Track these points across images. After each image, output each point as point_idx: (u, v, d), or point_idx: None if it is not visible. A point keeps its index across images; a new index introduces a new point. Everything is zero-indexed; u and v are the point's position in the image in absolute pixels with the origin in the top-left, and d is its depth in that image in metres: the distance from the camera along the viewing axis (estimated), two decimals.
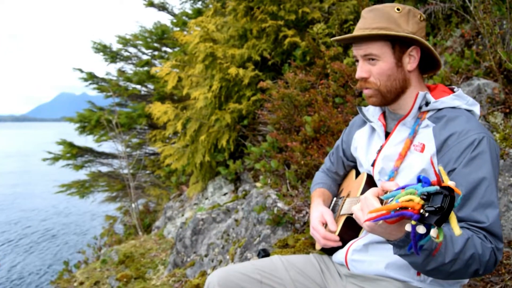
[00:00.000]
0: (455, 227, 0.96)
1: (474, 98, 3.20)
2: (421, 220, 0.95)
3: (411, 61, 1.56)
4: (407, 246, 1.18)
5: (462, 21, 4.12)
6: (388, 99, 1.59)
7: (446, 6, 4.10)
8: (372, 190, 1.23)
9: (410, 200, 0.98)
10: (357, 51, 1.58)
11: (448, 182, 0.97)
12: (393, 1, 4.60)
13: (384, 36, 1.51)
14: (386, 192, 1.19)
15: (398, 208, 0.99)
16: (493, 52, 3.35)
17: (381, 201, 1.19)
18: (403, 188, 1.05)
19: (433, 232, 0.96)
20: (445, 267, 1.24)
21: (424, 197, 0.96)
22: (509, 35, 3.43)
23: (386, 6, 1.55)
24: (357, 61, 1.62)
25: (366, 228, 1.22)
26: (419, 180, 1.01)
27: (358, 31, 1.56)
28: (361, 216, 1.23)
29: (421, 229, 0.96)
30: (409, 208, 0.96)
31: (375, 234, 1.22)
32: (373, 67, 1.55)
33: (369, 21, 1.54)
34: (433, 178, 0.96)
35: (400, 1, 4.61)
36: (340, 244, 1.73)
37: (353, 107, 3.71)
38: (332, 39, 1.68)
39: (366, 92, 1.61)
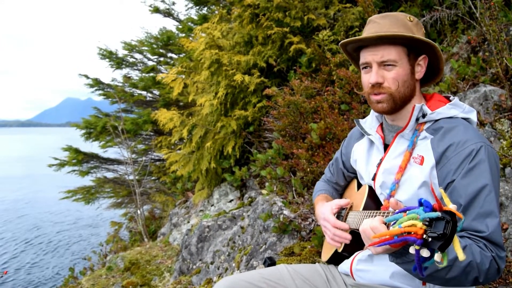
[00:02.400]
0: (459, 251, 0.97)
1: (481, 105, 3.19)
2: (425, 244, 0.97)
3: (419, 70, 1.57)
4: (403, 256, 1.21)
5: (468, 27, 4.11)
6: (397, 106, 1.57)
7: (452, 12, 4.10)
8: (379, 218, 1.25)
9: (413, 225, 0.99)
10: (372, 56, 1.54)
11: (450, 206, 0.98)
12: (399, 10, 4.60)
13: (403, 41, 1.51)
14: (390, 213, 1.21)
15: (401, 233, 1.01)
16: (500, 58, 3.33)
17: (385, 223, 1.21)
18: (405, 211, 1.06)
19: (437, 256, 0.98)
20: (440, 274, 1.24)
21: (426, 222, 0.98)
22: None
23: (399, 15, 1.56)
24: (366, 67, 1.59)
25: (371, 251, 1.24)
26: (420, 203, 1.03)
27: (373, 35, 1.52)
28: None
29: (425, 253, 0.98)
30: (412, 233, 0.98)
31: (378, 253, 1.24)
32: (388, 73, 1.53)
33: (386, 26, 1.53)
34: (436, 192, 0.97)
35: (406, 7, 4.61)
36: (349, 239, 1.70)
37: (359, 114, 3.70)
38: (345, 40, 1.62)
39: (376, 97, 1.57)
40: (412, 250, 1.01)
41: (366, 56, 1.57)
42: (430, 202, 1.00)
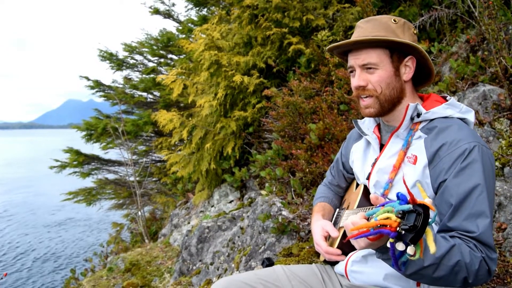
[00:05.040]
0: (431, 244, 0.98)
1: (480, 104, 3.18)
2: (399, 237, 0.98)
3: (407, 71, 1.57)
4: (388, 252, 1.20)
5: (467, 26, 4.11)
6: (385, 108, 1.59)
7: (451, 11, 4.09)
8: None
9: (388, 218, 1.00)
10: (354, 60, 1.57)
11: (425, 200, 1.00)
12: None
13: (384, 44, 1.51)
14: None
15: (376, 226, 1.02)
16: (499, 57, 3.33)
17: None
18: (383, 205, 1.07)
19: (410, 249, 0.99)
20: (426, 271, 1.24)
21: (400, 215, 0.99)
22: None
23: (383, 17, 1.56)
24: (352, 71, 1.61)
25: (355, 245, 1.25)
26: (398, 197, 1.04)
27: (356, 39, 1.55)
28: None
29: (400, 246, 0.99)
30: (388, 226, 0.99)
31: (362, 248, 1.24)
32: (371, 76, 1.55)
33: (368, 30, 1.55)
34: (429, 193, 0.98)
35: (405, 6, 4.60)
36: (343, 258, 1.73)
37: (357, 114, 3.70)
38: (329, 47, 1.66)
39: (363, 103, 1.60)
40: (388, 244, 1.02)
41: (350, 60, 1.60)
42: (406, 196, 1.01)
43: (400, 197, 1.02)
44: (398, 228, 0.97)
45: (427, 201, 0.99)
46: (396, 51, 1.54)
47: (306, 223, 3.31)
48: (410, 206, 0.98)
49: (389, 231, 0.98)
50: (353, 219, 1.24)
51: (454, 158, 1.39)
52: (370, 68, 1.54)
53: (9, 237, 15.45)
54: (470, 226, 1.32)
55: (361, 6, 4.22)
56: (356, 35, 1.57)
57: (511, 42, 3.46)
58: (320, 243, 1.79)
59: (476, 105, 3.20)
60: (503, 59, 3.29)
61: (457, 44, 3.99)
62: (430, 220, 0.98)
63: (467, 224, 1.32)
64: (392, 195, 1.56)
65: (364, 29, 1.56)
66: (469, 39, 3.80)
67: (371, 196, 1.23)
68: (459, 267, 1.24)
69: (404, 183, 1.05)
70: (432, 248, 0.98)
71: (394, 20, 1.55)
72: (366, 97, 1.58)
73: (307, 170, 3.67)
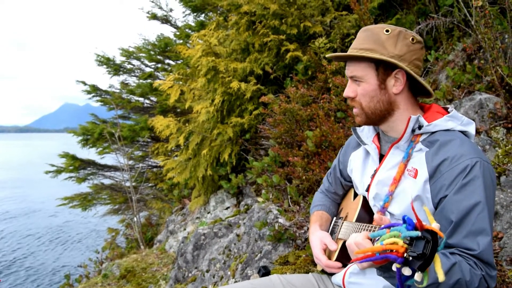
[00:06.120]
0: (439, 272, 0.96)
1: (476, 113, 3.19)
2: (405, 263, 0.96)
3: (396, 84, 1.54)
4: (390, 271, 1.20)
5: (464, 35, 4.12)
6: (373, 120, 1.60)
7: (447, 20, 4.11)
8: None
9: (394, 243, 0.98)
10: (346, 71, 1.61)
11: (433, 225, 0.97)
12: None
13: (367, 58, 1.52)
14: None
15: (383, 251, 1.00)
16: (495, 66, 3.33)
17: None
18: (389, 227, 1.06)
19: (417, 276, 0.97)
20: None
21: (407, 241, 0.97)
22: (511, 50, 3.42)
23: (376, 27, 1.56)
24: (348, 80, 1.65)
25: (358, 266, 1.24)
26: (404, 220, 1.01)
27: (349, 51, 1.58)
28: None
29: (406, 271, 0.97)
30: (394, 251, 0.97)
31: (365, 268, 1.24)
32: (358, 88, 1.57)
33: (359, 41, 1.56)
34: (429, 207, 0.97)
35: (402, 14, 4.62)
36: (344, 269, 1.73)
37: (354, 122, 3.70)
38: (327, 56, 1.70)
39: (354, 110, 1.63)
40: (394, 267, 1.00)
41: (345, 70, 1.63)
42: (413, 220, 0.99)
43: (407, 221, 0.99)
44: (405, 254, 0.95)
45: (435, 226, 0.96)
46: (382, 64, 1.52)
47: (303, 231, 3.30)
48: (418, 233, 0.95)
49: (396, 257, 0.96)
50: (356, 239, 1.23)
51: (456, 174, 1.37)
52: (357, 80, 1.57)
53: (4, 240, 15.37)
54: (470, 244, 1.30)
55: (358, 13, 4.23)
56: (352, 46, 1.59)
57: (507, 51, 3.47)
58: (320, 257, 1.78)
59: (472, 113, 3.21)
60: (499, 68, 3.30)
61: (453, 53, 4.01)
62: (438, 247, 0.96)
63: (468, 241, 1.31)
64: (392, 208, 1.54)
65: (357, 40, 1.58)
66: (466, 48, 3.82)
67: (375, 216, 1.22)
68: (459, 285, 1.23)
69: (413, 208, 1.02)
70: (440, 276, 0.96)
71: (387, 31, 1.52)
72: (355, 107, 1.62)
73: (304, 177, 3.66)
